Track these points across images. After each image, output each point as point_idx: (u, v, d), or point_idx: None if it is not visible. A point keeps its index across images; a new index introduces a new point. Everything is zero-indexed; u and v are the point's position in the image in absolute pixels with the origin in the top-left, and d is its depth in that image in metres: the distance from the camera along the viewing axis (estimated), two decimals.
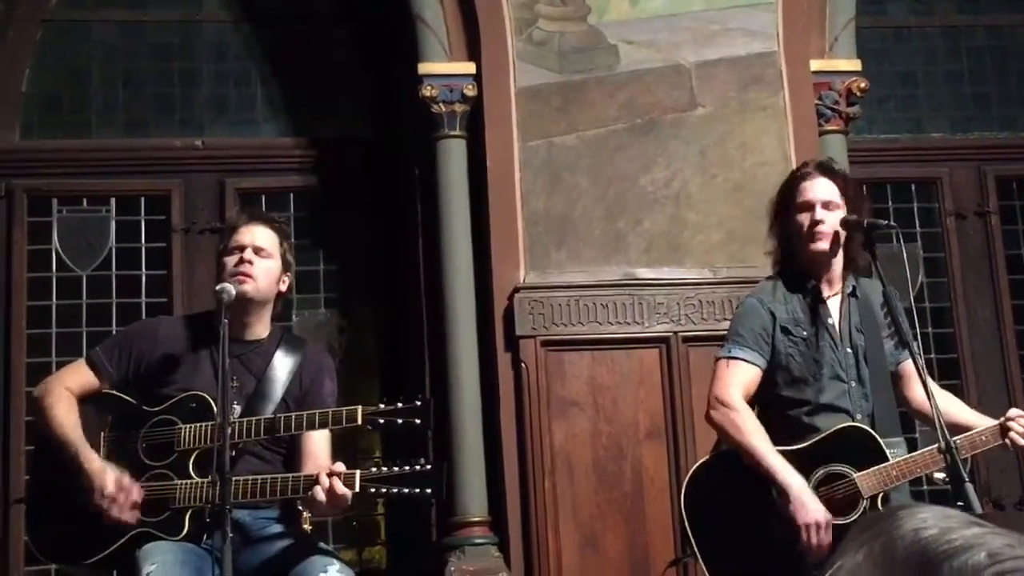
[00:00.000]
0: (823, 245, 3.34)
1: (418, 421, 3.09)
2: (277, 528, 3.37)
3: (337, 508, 3.13)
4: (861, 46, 5.62)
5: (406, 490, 3.07)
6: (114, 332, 5.19)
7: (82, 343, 5.38)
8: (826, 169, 3.44)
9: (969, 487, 2.90)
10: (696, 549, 3.27)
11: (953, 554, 0.89)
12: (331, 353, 5.56)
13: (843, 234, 3.36)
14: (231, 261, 3.35)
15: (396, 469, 3.07)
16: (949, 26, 6.30)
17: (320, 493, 3.04)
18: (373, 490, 3.09)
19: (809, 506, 3.14)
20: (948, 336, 5.84)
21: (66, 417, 3.30)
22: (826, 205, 3.35)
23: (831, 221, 3.34)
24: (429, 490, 3.09)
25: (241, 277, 3.32)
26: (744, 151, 5.24)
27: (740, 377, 3.33)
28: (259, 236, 3.40)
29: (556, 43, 5.27)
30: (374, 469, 3.11)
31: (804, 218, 3.36)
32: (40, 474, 3.48)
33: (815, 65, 5.41)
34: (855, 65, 5.49)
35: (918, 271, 5.83)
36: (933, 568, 0.89)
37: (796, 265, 3.43)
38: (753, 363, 3.35)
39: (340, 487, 3.03)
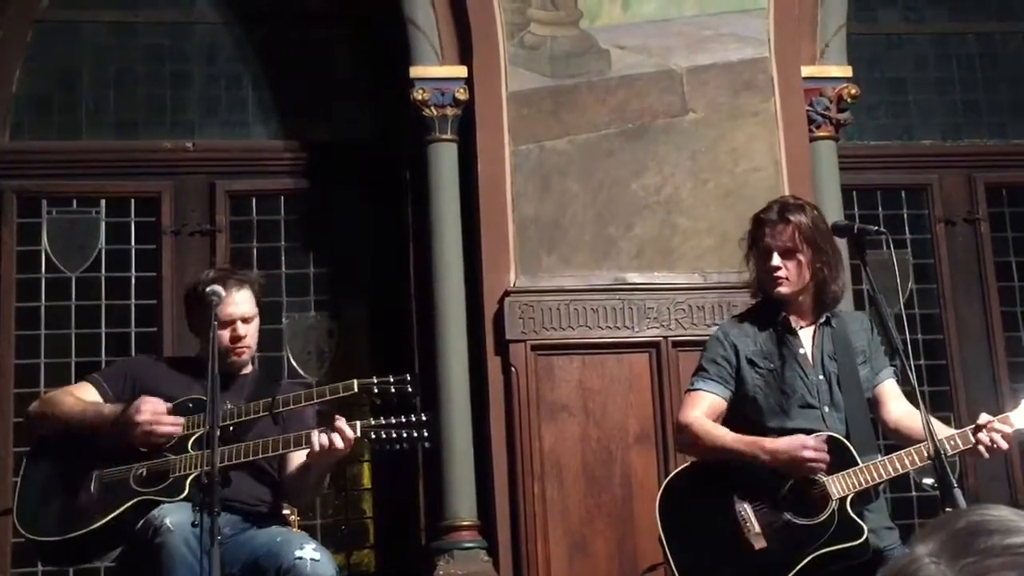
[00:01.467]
0: (784, 290, 3.41)
1: (409, 389, 3.39)
2: (262, 528, 3.47)
3: (341, 452, 3.31)
4: (852, 53, 5.64)
5: (404, 433, 3.31)
6: (105, 341, 5.21)
7: (71, 345, 5.37)
8: (785, 214, 3.42)
9: (958, 492, 2.91)
10: (670, 559, 3.31)
11: (996, 532, 0.97)
12: (321, 356, 5.61)
13: (809, 274, 3.39)
14: (225, 336, 3.55)
15: (393, 420, 3.34)
16: (939, 33, 6.31)
17: (324, 438, 3.27)
18: (373, 435, 3.32)
19: (784, 447, 3.23)
20: (937, 342, 5.86)
21: (73, 400, 3.48)
22: (784, 253, 3.38)
23: (791, 268, 3.38)
24: (426, 433, 3.34)
25: (239, 352, 3.60)
26: (735, 156, 5.25)
27: (701, 404, 3.43)
28: (243, 305, 3.61)
29: (548, 47, 5.28)
30: (371, 420, 3.39)
31: (764, 264, 3.42)
32: (39, 461, 3.56)
33: (806, 71, 5.42)
34: (846, 71, 5.51)
35: (908, 277, 5.85)
36: (974, 538, 0.97)
37: (769, 298, 3.48)
38: (715, 393, 3.43)
39: (342, 425, 3.27)
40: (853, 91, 5.46)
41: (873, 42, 6.23)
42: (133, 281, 5.56)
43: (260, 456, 3.37)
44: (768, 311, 3.48)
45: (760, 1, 5.39)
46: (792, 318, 3.44)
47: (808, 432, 3.31)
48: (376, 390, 3.37)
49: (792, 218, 3.40)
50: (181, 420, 3.39)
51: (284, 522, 3.63)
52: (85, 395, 3.53)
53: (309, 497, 3.97)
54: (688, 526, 3.35)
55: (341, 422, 3.28)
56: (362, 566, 5.53)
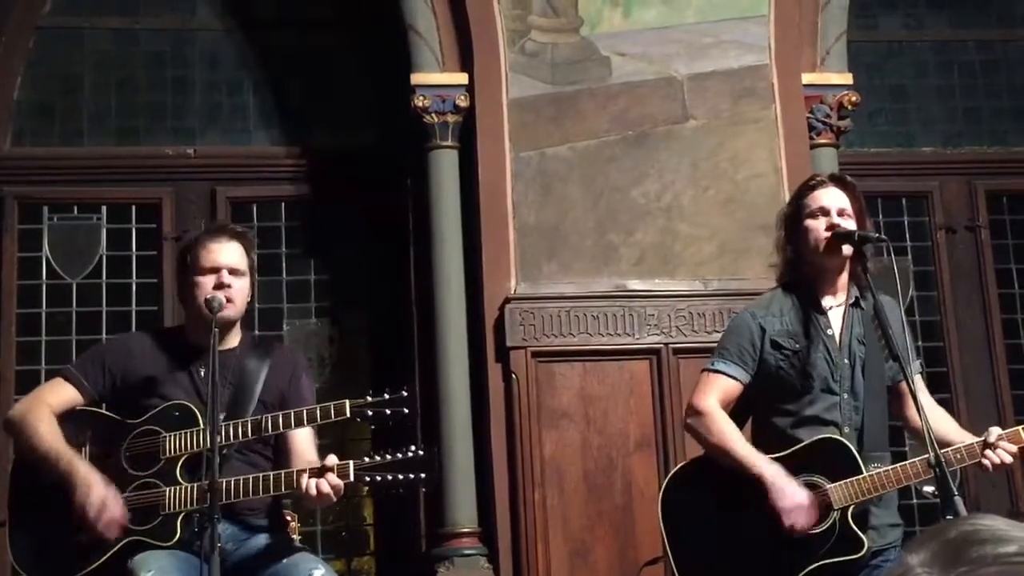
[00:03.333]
0: (845, 250, 3.33)
1: (405, 410, 3.12)
2: (264, 537, 3.36)
3: (330, 501, 3.12)
4: (853, 60, 5.64)
5: (400, 476, 3.07)
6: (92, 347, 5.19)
7: (71, 351, 5.36)
8: (839, 180, 3.46)
9: (958, 500, 2.90)
10: (670, 555, 3.30)
11: (987, 541, 0.97)
12: (321, 363, 5.60)
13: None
14: (208, 282, 3.32)
15: (389, 457, 3.08)
16: (940, 41, 6.32)
17: (312, 487, 3.04)
18: (368, 479, 3.09)
19: (786, 490, 3.17)
20: (938, 350, 5.85)
21: (49, 431, 3.28)
22: (840, 212, 3.35)
23: (847, 228, 3.34)
24: (423, 475, 3.08)
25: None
26: (736, 164, 5.25)
27: (718, 388, 3.36)
28: (231, 254, 3.37)
29: (549, 54, 5.28)
30: (367, 459, 3.12)
31: (818, 223, 3.34)
32: (23, 491, 3.43)
33: (807, 78, 5.43)
34: (846, 79, 5.52)
35: (908, 285, 5.85)
36: (966, 548, 0.97)
37: (801, 275, 3.42)
38: (733, 376, 3.36)
39: (334, 479, 3.04)
40: (854, 98, 5.47)
41: (874, 49, 6.23)
42: (134, 287, 5.56)
43: (251, 495, 3.17)
44: (798, 290, 3.40)
45: (761, 8, 5.40)
46: (824, 296, 3.37)
47: (823, 422, 3.27)
48: (370, 412, 3.13)
49: (849, 182, 3.43)
50: (123, 524, 3.14)
51: (286, 530, 3.55)
52: (64, 397, 3.35)
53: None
54: (690, 524, 3.31)
55: (332, 463, 3.05)
56: (362, 573, 5.52)
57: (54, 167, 5.62)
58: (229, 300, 3.30)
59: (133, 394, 3.36)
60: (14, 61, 5.64)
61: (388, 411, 3.13)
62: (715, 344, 3.56)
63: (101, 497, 3.16)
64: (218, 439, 3.10)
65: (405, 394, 3.15)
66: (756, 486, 3.21)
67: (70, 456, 3.24)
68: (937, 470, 2.98)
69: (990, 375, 5.83)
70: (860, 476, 3.19)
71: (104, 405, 3.41)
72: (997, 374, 5.83)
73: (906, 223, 6.02)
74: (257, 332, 5.35)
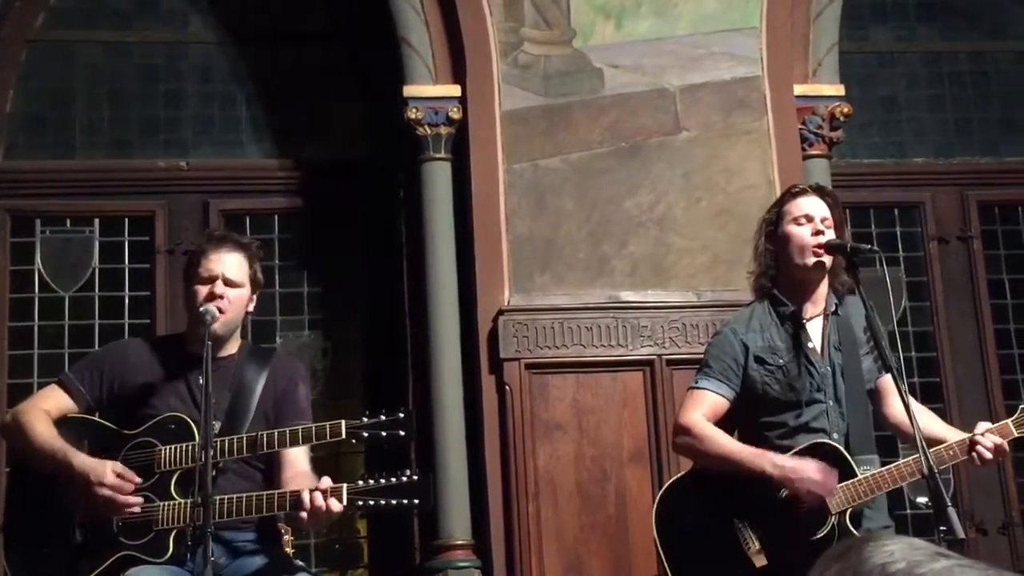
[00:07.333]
0: (826, 259, 3.35)
1: (402, 433, 3.09)
2: (257, 550, 3.34)
3: (324, 522, 3.11)
4: (844, 71, 5.66)
5: (394, 501, 3.04)
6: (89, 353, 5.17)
7: (64, 364, 5.33)
8: (820, 190, 3.49)
9: (952, 511, 2.90)
10: (667, 569, 3.29)
11: None
12: (314, 375, 5.59)
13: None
14: (202, 291, 3.32)
15: (383, 481, 3.05)
16: (931, 52, 6.34)
17: (307, 503, 3.02)
18: (360, 503, 3.06)
19: (797, 467, 3.17)
20: (931, 360, 5.86)
21: (45, 430, 3.26)
22: (823, 221, 3.37)
23: (829, 238, 3.35)
24: (417, 500, 3.06)
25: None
26: (728, 175, 5.26)
27: (703, 405, 3.38)
28: (229, 265, 3.36)
29: (541, 66, 5.29)
30: (360, 482, 3.08)
31: (800, 230, 3.37)
32: (17, 501, 3.42)
33: (799, 90, 5.44)
34: (838, 90, 5.53)
35: (901, 295, 5.86)
36: None
37: (779, 285, 3.44)
38: (719, 393, 3.38)
39: (322, 501, 3.01)
40: (845, 109, 5.48)
41: (865, 60, 6.25)
42: (127, 300, 5.55)
43: (246, 516, 3.15)
44: (776, 303, 3.42)
45: (752, 20, 5.42)
46: (803, 307, 3.40)
47: (812, 430, 3.29)
48: (366, 434, 3.09)
49: (830, 192, 3.47)
50: (140, 500, 3.14)
51: (279, 542, 3.54)
52: (59, 404, 3.33)
53: None
54: (685, 540, 3.31)
55: (318, 496, 3.02)
56: None
57: (46, 180, 5.62)
58: (221, 311, 3.28)
59: (129, 402, 3.34)
60: (6, 74, 5.64)
61: (384, 433, 3.10)
62: None
63: (113, 468, 3.14)
64: (213, 454, 3.07)
65: (402, 416, 3.11)
66: (748, 491, 3.22)
67: (65, 448, 3.21)
68: (930, 481, 2.98)
69: (983, 386, 5.83)
70: (857, 479, 3.20)
71: (99, 412, 3.38)
72: (990, 385, 5.83)
73: (898, 234, 6.03)
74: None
